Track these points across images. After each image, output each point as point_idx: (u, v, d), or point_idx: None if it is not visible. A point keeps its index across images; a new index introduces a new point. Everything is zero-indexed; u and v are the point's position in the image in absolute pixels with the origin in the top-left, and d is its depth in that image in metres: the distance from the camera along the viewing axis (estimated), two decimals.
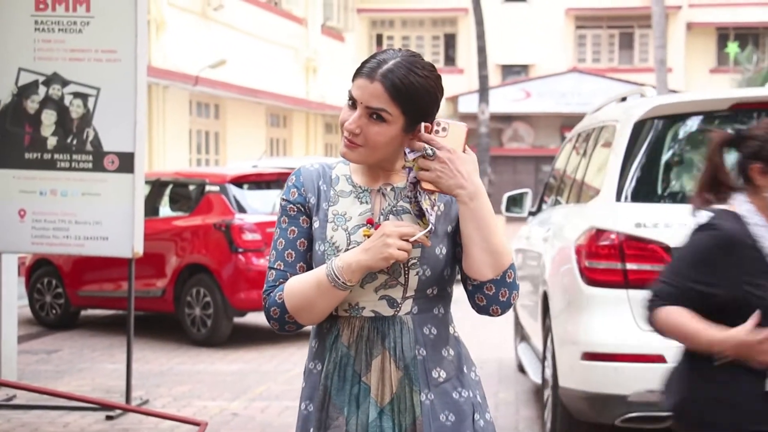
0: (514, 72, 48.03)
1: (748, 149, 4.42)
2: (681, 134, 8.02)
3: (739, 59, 42.87)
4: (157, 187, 14.94)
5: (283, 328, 3.53)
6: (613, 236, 7.36)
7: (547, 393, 8.56)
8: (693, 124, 7.97)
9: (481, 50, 35.88)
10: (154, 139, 25.55)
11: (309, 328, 3.53)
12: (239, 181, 14.27)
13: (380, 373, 3.46)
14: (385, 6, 47.57)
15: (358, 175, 3.56)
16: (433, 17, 48.77)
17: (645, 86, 9.64)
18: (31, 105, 9.89)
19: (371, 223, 3.45)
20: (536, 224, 11.04)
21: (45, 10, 9.82)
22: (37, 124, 9.89)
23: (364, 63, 3.40)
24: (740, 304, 4.23)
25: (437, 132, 3.35)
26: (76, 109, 9.82)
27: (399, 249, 3.29)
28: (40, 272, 15.44)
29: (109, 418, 9.56)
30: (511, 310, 3.47)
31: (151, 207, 14.27)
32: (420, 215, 3.42)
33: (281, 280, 3.51)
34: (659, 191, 7.72)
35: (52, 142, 9.88)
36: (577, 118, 43.13)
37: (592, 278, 7.47)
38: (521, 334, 11.42)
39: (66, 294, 15.19)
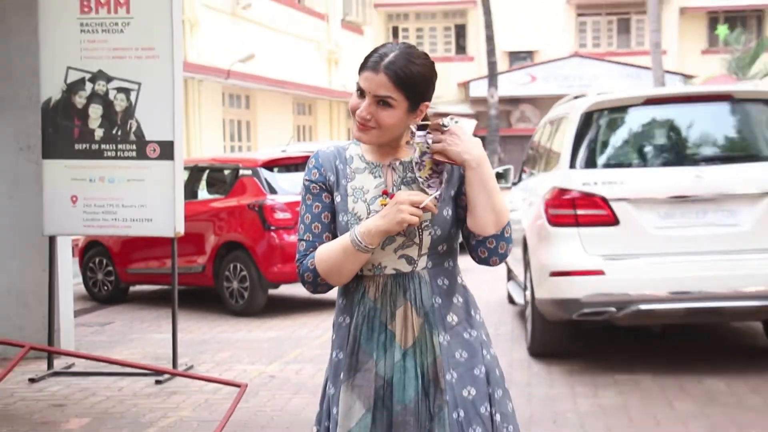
0: (520, 58, 47.79)
1: None
2: (612, 121, 10.48)
3: (729, 40, 42.58)
4: (195, 172, 14.98)
5: (316, 290, 3.74)
6: (568, 192, 9.81)
7: (528, 310, 10.73)
8: (619, 114, 10.50)
9: (490, 39, 35.84)
10: (191, 129, 25.57)
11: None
12: (270, 165, 14.29)
13: (403, 321, 3.64)
14: (400, 0, 47.38)
15: (369, 154, 3.76)
16: (444, 9, 48.54)
17: (588, 90, 12.38)
18: (79, 100, 9.95)
19: (386, 193, 3.64)
20: (518, 190, 12.97)
21: (89, 13, 9.86)
22: (85, 117, 9.94)
23: (367, 57, 3.63)
24: None
25: (452, 120, 3.54)
26: (119, 103, 9.87)
27: (411, 215, 3.46)
28: (92, 252, 15.52)
29: (158, 382, 9.63)
30: None
31: (190, 191, 14.31)
32: (430, 185, 3.56)
33: (311, 249, 3.73)
34: (597, 161, 10.10)
35: (99, 133, 9.93)
36: None
37: (554, 221, 9.86)
38: (509, 276, 13.62)
39: (116, 272, 15.28)
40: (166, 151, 9.79)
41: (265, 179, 13.90)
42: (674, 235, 9.57)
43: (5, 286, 10.79)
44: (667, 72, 37.33)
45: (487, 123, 37.72)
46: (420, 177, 3.58)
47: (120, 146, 9.89)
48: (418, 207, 3.49)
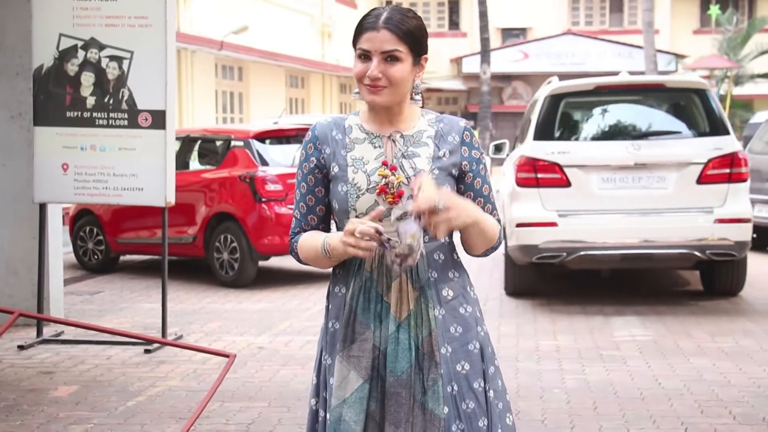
0: (513, 35, 47.80)
1: None
2: (567, 104, 12.84)
3: (720, 21, 42.62)
4: (186, 142, 14.94)
5: (306, 264, 3.80)
6: (531, 160, 12.04)
7: (503, 257, 13.22)
8: (572, 98, 12.93)
9: (483, 15, 35.82)
10: (183, 100, 25.56)
11: None
12: (262, 137, 14.27)
13: (399, 293, 3.63)
14: None
15: (369, 124, 3.75)
16: None
17: (554, 76, 14.65)
18: (71, 68, 9.93)
19: (386, 164, 3.63)
20: (508, 160, 14.28)
21: None
22: (77, 85, 9.93)
23: (362, 22, 3.64)
24: None
25: (419, 191, 3.40)
26: (112, 71, 9.85)
27: (360, 248, 3.43)
28: (83, 221, 15.50)
29: (147, 351, 9.65)
30: None
31: (182, 161, 14.29)
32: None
33: (298, 228, 3.81)
34: (555, 135, 12.45)
35: (90, 101, 9.92)
36: (572, 76, 42.78)
37: (520, 183, 12.09)
38: None
39: (106, 241, 15.26)
40: (158, 120, 9.77)
41: (257, 151, 13.88)
42: (614, 195, 11.85)
43: None
44: (659, 51, 37.43)
45: (479, 99, 37.74)
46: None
47: (112, 114, 9.87)
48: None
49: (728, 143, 11.93)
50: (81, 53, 9.89)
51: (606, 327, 10.62)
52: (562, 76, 15.86)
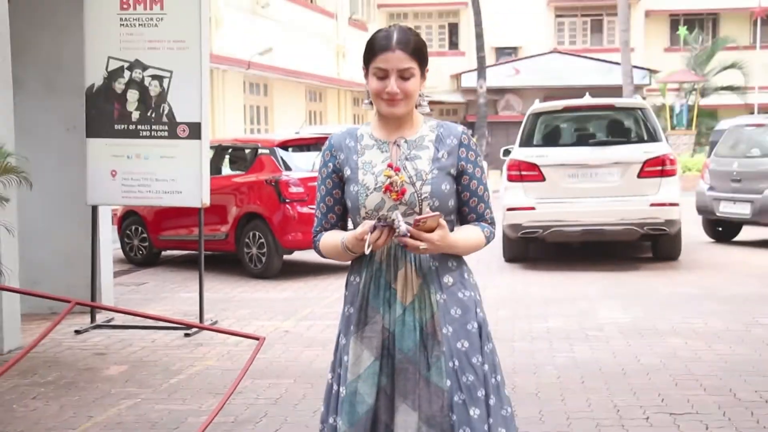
0: (506, 53, 47.67)
1: None
2: (544, 119, 15.44)
3: (688, 40, 42.53)
4: (219, 151, 14.94)
5: (327, 258, 3.92)
6: (517, 161, 14.52)
7: (500, 233, 14.47)
8: (547, 115, 15.56)
9: (479, 36, 35.76)
10: (215, 113, 25.55)
11: None
12: (285, 145, 14.25)
13: (404, 280, 3.67)
14: (400, 2, 47.26)
15: (378, 131, 3.81)
16: (439, 10, 48.42)
17: (537, 99, 18.28)
18: (119, 86, 9.95)
19: (391, 166, 3.68)
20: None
21: (128, 9, 9.86)
22: (123, 101, 9.95)
23: (374, 43, 3.72)
24: None
25: (423, 224, 3.54)
26: (154, 89, 9.87)
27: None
28: (129, 221, 15.50)
29: (186, 335, 9.69)
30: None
31: (215, 167, 14.27)
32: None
33: (320, 227, 3.90)
34: (534, 143, 15.04)
35: (135, 115, 9.94)
36: (558, 90, 42.83)
37: (510, 179, 14.59)
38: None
39: (149, 238, 15.28)
40: (194, 131, 9.79)
41: (281, 157, 13.89)
42: (577, 187, 14.33)
43: (54, 249, 10.83)
44: (635, 67, 37.28)
45: (476, 110, 37.66)
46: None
47: (154, 127, 9.90)
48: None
49: (660, 148, 14.47)
50: (127, 73, 9.92)
51: (591, 311, 10.61)
52: (549, 90, 19.75)
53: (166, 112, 9.87)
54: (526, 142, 14.99)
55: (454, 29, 48.97)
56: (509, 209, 14.31)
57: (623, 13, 34.25)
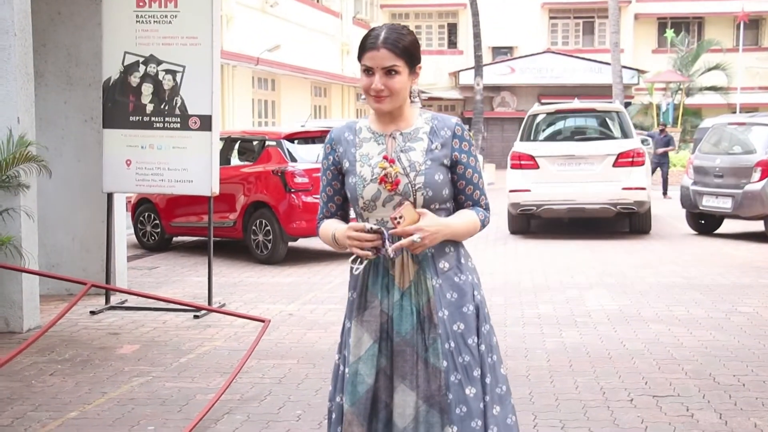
0: (501, 52, 47.63)
1: None
2: (540, 119, 18.11)
3: (675, 42, 42.43)
4: (228, 142, 14.94)
5: None
6: (518, 153, 16.95)
7: (506, 210, 17.47)
8: (543, 116, 18.25)
9: (476, 36, 35.66)
10: (225, 106, 25.56)
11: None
12: (291, 138, 14.24)
13: (401, 267, 3.67)
14: (402, 2, 47.23)
15: (375, 124, 3.81)
16: (439, 10, 48.36)
17: (536, 102, 22.25)
18: (134, 80, 9.96)
19: (386, 158, 3.69)
20: None
21: (144, 7, 9.86)
22: (138, 94, 9.96)
23: (364, 41, 3.71)
24: None
25: (401, 219, 3.55)
26: (167, 83, 9.87)
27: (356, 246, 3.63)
28: (142, 208, 15.51)
29: (196, 317, 9.69)
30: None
31: (224, 158, 14.30)
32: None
33: (321, 214, 3.94)
34: (532, 138, 17.62)
35: (149, 108, 9.95)
36: (550, 88, 42.90)
37: (512, 166, 16.98)
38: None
39: (161, 225, 15.28)
40: (205, 123, 9.80)
41: (287, 149, 13.89)
42: (564, 173, 16.69)
43: (71, 234, 10.84)
44: (624, 67, 37.21)
45: (473, 107, 37.57)
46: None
47: (167, 119, 9.90)
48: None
49: (631, 143, 17.01)
50: (142, 67, 9.92)
51: (580, 299, 10.63)
52: (542, 88, 21.99)
53: (178, 104, 9.88)
54: (526, 137, 17.64)
55: (453, 29, 48.92)
56: (511, 191, 16.90)
57: (613, 16, 34.23)
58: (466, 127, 3.86)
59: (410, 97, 3.78)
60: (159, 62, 9.89)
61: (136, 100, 9.99)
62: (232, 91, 26.50)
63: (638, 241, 16.10)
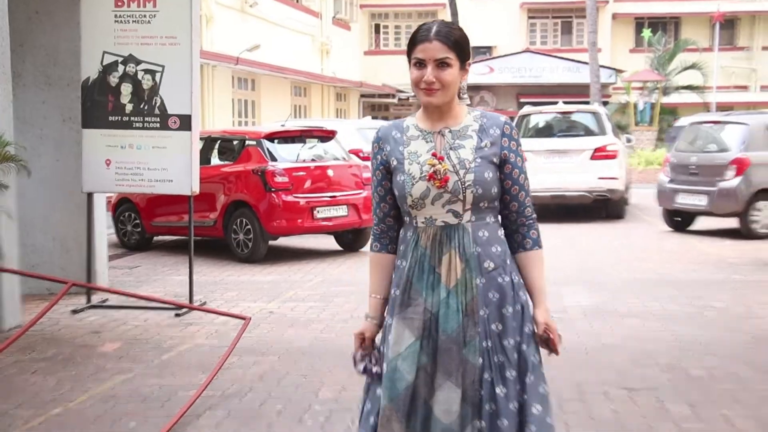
0: (481, 52, 47.69)
1: None
2: (528, 119, 20.51)
3: (651, 42, 42.74)
4: (208, 142, 14.90)
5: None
6: None
7: None
8: (531, 116, 20.65)
9: None
10: (205, 106, 25.56)
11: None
12: (271, 137, 14.23)
13: (448, 265, 3.65)
14: (382, 2, 47.23)
15: (422, 122, 3.78)
16: (419, 10, 48.35)
17: (527, 105, 24.28)
18: (113, 80, 9.97)
19: (435, 155, 3.66)
20: None
21: (122, 7, 9.87)
22: (118, 94, 9.96)
23: (416, 35, 3.68)
24: None
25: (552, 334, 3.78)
26: (146, 82, 9.89)
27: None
28: (123, 208, 15.47)
29: (177, 315, 9.71)
30: None
31: (205, 157, 14.28)
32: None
33: (376, 217, 3.93)
34: (522, 135, 17.41)
35: (129, 107, 9.95)
36: (529, 87, 43.19)
37: None
38: None
39: (142, 224, 15.25)
40: (185, 123, 9.81)
41: (267, 149, 13.89)
42: (549, 165, 18.75)
43: (51, 234, 10.84)
44: (602, 66, 37.42)
45: None
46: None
47: (146, 119, 9.92)
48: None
49: (606, 139, 19.33)
50: (121, 67, 9.93)
51: (557, 294, 10.68)
52: (521, 87, 23.01)
53: (158, 104, 9.89)
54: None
55: None
56: None
57: (591, 16, 34.40)
58: (515, 126, 3.86)
59: (459, 93, 3.74)
60: (138, 62, 9.90)
61: (115, 99, 9.98)
62: (212, 91, 26.50)
63: (615, 238, 16.24)
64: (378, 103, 43.84)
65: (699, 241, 15.74)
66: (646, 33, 43.91)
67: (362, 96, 41.92)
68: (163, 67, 9.87)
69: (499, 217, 3.77)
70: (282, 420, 6.26)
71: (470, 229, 3.66)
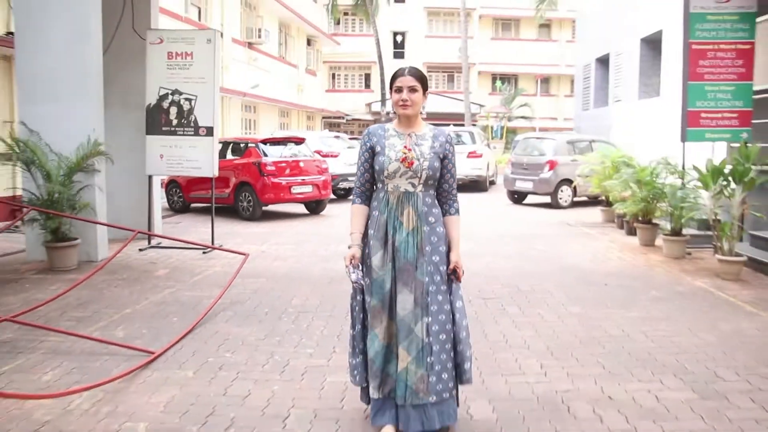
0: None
1: None
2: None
3: (501, 88, 43.17)
4: (225, 144, 14.74)
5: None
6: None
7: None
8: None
9: (382, 80, 35.65)
10: (224, 123, 25.22)
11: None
12: (265, 141, 14.11)
13: (408, 216, 3.67)
14: (337, 60, 46.81)
15: (398, 127, 3.80)
16: (359, 64, 47.81)
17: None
18: (165, 105, 9.84)
19: (406, 148, 3.69)
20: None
21: (172, 59, 9.74)
22: (168, 113, 9.85)
23: (395, 75, 3.72)
24: None
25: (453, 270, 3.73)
26: (186, 106, 9.79)
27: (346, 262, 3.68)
28: (171, 185, 15.27)
29: (204, 253, 9.66)
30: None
31: (222, 154, 14.16)
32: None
33: (359, 184, 3.77)
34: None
35: (174, 122, 9.85)
36: (430, 114, 42.15)
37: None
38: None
39: (183, 196, 15.11)
40: (209, 132, 9.78)
41: (262, 149, 13.81)
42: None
43: (127, 201, 10.69)
44: (472, 102, 37.57)
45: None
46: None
47: (185, 129, 9.82)
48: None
49: (475, 147, 20.69)
50: (170, 97, 9.82)
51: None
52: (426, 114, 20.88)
53: (192, 120, 9.79)
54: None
55: (368, 76, 48.57)
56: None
57: (465, 72, 34.49)
58: (453, 138, 3.87)
59: (421, 112, 3.78)
60: (181, 93, 9.80)
61: (166, 117, 9.87)
62: (229, 113, 26.12)
63: (479, 207, 16.28)
64: (333, 122, 43.55)
65: (528, 211, 15.95)
66: (498, 83, 44.26)
67: (323, 117, 41.62)
68: (196, 96, 9.77)
69: (435, 192, 3.79)
70: (268, 318, 6.29)
71: (421, 196, 3.69)
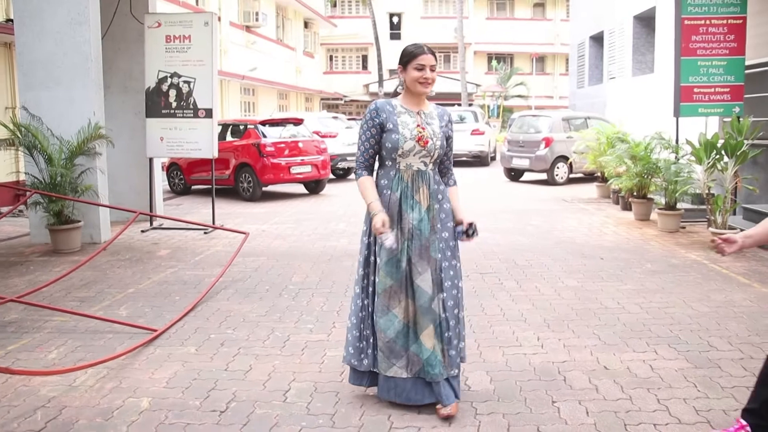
0: (395, 72, 47.36)
1: None
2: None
3: (497, 68, 43.04)
4: (225, 126, 14.71)
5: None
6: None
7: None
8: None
9: (379, 62, 35.50)
10: (223, 106, 25.13)
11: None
12: (264, 123, 14.07)
13: (421, 194, 3.66)
14: (333, 42, 46.55)
15: (406, 104, 3.74)
16: (357, 46, 47.61)
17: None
18: (164, 87, 9.78)
19: (420, 126, 3.65)
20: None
21: (170, 42, 9.67)
22: (167, 96, 9.79)
23: (415, 50, 3.64)
24: None
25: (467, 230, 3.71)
26: (185, 89, 9.73)
27: (378, 228, 3.51)
28: (172, 167, 15.25)
29: (205, 233, 9.66)
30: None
31: (222, 135, 14.12)
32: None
33: (363, 160, 3.68)
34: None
35: (174, 104, 9.79)
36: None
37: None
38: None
39: (184, 177, 15.09)
40: (209, 114, 9.71)
41: (261, 130, 13.77)
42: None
43: (128, 183, 10.71)
44: (468, 82, 37.41)
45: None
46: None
47: (185, 111, 9.77)
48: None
49: (478, 125, 21.94)
50: (169, 80, 9.75)
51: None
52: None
53: (192, 102, 9.74)
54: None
55: (365, 58, 48.32)
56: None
57: (461, 52, 34.31)
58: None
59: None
60: (180, 76, 9.73)
61: (165, 100, 9.81)
62: (228, 96, 26.02)
63: (477, 183, 16.31)
64: (331, 103, 43.40)
65: (524, 187, 15.93)
66: (494, 63, 44.03)
67: (322, 99, 41.46)
68: (195, 79, 9.71)
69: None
70: (268, 295, 6.29)
71: (431, 174, 3.69)
